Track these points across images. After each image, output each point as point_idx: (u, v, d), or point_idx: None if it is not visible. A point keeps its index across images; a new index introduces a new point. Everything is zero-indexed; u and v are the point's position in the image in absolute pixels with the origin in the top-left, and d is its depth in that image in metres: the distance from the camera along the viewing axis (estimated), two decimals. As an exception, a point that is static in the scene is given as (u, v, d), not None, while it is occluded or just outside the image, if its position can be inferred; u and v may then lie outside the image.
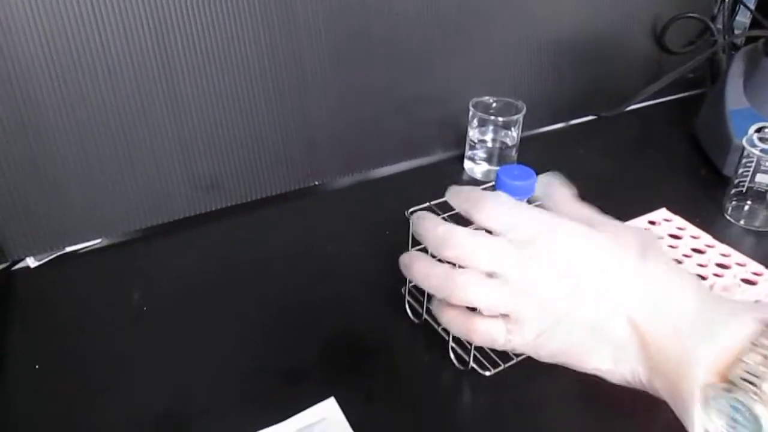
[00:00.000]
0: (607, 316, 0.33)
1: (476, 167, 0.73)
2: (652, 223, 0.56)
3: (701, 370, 0.31)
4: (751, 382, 0.30)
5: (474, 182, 0.73)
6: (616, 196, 0.69)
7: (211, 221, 0.65)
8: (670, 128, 0.84)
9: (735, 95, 0.75)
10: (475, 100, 0.71)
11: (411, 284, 0.51)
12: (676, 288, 0.33)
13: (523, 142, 0.73)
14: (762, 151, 0.66)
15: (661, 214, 0.57)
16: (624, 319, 0.33)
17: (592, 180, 0.73)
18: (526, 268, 0.34)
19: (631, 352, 0.33)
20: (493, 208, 0.35)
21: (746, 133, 0.71)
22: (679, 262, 0.51)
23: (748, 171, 0.66)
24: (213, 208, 0.66)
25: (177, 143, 0.62)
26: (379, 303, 0.54)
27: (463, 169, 0.74)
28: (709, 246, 0.53)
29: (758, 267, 0.51)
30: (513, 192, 0.38)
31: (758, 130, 0.70)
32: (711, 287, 0.48)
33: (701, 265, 0.51)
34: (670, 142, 0.81)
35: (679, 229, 0.55)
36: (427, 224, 0.37)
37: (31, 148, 0.55)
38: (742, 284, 0.49)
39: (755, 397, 0.29)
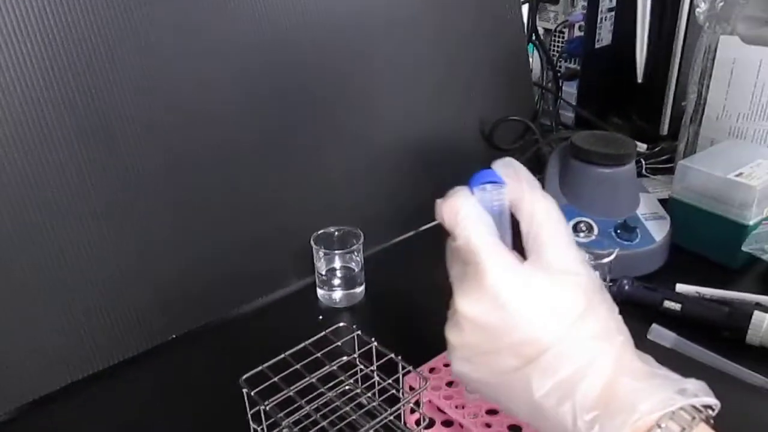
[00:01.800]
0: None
1: (333, 293, 0.77)
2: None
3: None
4: None
5: (328, 309, 0.76)
6: (444, 310, 0.75)
7: (69, 395, 0.66)
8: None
9: (553, 193, 0.82)
10: (316, 234, 0.76)
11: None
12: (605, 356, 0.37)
13: (376, 256, 0.78)
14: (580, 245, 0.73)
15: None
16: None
17: (436, 294, 0.78)
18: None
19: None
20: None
21: (566, 228, 0.78)
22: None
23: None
24: (69, 381, 0.66)
25: (24, 319, 0.63)
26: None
27: (317, 297, 0.78)
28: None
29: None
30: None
31: (575, 227, 0.78)
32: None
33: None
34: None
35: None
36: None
37: None
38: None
39: None
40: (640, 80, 0.95)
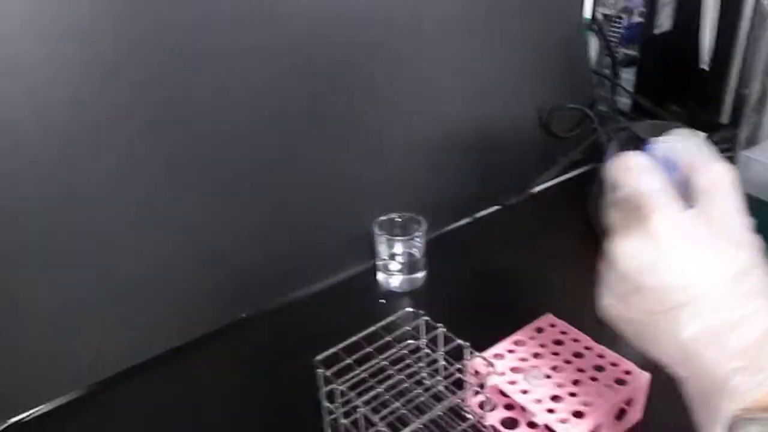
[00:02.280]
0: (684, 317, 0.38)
1: (390, 279, 0.79)
2: (539, 330, 0.62)
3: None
4: None
5: (389, 293, 0.79)
6: (514, 297, 0.77)
7: (144, 372, 0.70)
8: (568, 210, 0.92)
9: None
10: (379, 219, 0.78)
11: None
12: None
13: (433, 243, 0.80)
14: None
15: (547, 320, 0.64)
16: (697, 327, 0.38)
17: (494, 278, 0.80)
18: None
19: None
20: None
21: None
22: (561, 368, 0.58)
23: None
24: (145, 359, 0.70)
25: (103, 297, 0.67)
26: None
27: (378, 281, 0.80)
28: (587, 348, 0.60)
29: (628, 366, 0.58)
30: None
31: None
32: (587, 393, 0.55)
33: (581, 370, 0.57)
34: (567, 226, 0.89)
35: (563, 334, 0.62)
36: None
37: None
38: (615, 386, 0.56)
39: None
40: (704, 66, 0.94)
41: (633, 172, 0.41)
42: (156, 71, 0.66)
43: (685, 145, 0.43)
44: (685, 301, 0.38)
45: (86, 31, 0.61)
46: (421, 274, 0.79)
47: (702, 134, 0.44)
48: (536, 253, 0.85)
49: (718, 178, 0.41)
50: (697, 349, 0.38)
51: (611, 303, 0.43)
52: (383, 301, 0.77)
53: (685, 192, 0.42)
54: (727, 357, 0.37)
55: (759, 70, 0.90)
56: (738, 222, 0.41)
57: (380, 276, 0.80)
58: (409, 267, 0.78)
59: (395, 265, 0.78)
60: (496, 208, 0.94)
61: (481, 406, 0.57)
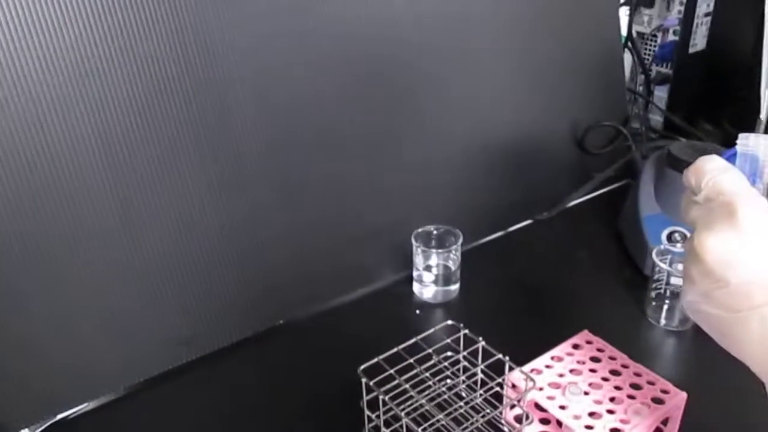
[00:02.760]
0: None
1: (425, 290, 0.80)
2: (576, 347, 0.63)
3: None
4: None
5: (424, 304, 0.80)
6: (548, 311, 0.78)
7: (185, 373, 0.71)
8: (600, 226, 0.93)
9: (647, 202, 0.84)
10: (417, 231, 0.79)
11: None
12: None
13: (466, 255, 0.81)
14: (672, 254, 0.74)
15: (584, 336, 0.65)
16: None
17: (527, 292, 0.81)
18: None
19: None
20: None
21: (660, 237, 0.80)
22: (599, 385, 0.59)
23: (663, 274, 0.74)
24: (186, 361, 0.72)
25: (147, 299, 0.69)
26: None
27: (413, 291, 0.82)
28: (624, 366, 0.61)
29: (666, 385, 0.58)
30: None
31: (669, 236, 0.79)
32: (625, 411, 0.56)
33: (617, 388, 0.58)
34: (599, 242, 0.90)
35: (599, 351, 0.63)
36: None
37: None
38: (652, 404, 0.56)
39: None
40: (763, 117, 0.95)
41: (714, 172, 0.41)
42: (200, 81, 0.67)
43: (763, 150, 0.44)
44: None
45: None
46: (455, 287, 0.80)
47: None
48: (569, 268, 0.86)
49: None
50: None
51: (695, 299, 0.42)
52: (419, 312, 0.79)
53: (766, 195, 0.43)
54: None
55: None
56: None
57: (416, 287, 0.81)
58: (444, 279, 0.79)
59: (430, 276, 0.79)
60: (529, 222, 0.95)
61: (518, 419, 0.58)
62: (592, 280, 0.82)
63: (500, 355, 0.57)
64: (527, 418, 0.57)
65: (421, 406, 0.57)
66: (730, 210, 0.39)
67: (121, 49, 0.61)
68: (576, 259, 0.87)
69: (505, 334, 0.73)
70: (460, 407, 0.60)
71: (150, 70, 0.63)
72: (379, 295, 0.82)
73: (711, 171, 0.42)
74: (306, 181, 0.77)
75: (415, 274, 0.80)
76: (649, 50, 1.22)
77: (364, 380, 0.55)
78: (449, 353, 0.61)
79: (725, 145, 1.08)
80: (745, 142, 0.43)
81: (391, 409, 0.55)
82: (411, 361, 0.57)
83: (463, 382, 0.61)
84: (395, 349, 0.58)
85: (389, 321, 0.75)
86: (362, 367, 0.56)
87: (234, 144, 0.70)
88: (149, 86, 0.64)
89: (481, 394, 0.59)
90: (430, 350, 0.59)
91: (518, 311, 0.79)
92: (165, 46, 0.64)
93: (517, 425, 0.58)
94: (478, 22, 0.86)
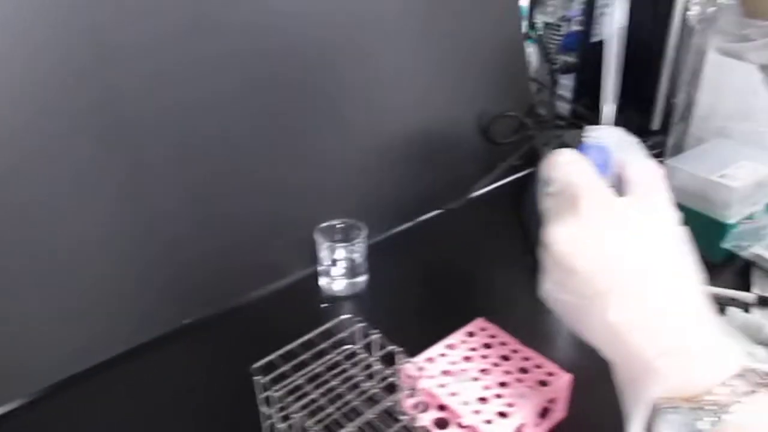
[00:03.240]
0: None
1: (332, 284, 0.81)
2: (470, 334, 0.65)
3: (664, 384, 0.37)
4: (710, 414, 0.36)
5: (332, 297, 0.81)
6: (452, 299, 0.80)
7: (81, 383, 0.70)
8: (505, 215, 0.95)
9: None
10: (319, 226, 0.80)
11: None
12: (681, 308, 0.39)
13: (375, 247, 0.83)
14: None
15: (478, 323, 0.67)
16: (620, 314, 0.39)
17: (433, 281, 0.83)
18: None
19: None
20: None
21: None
22: (489, 371, 0.61)
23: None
24: (87, 366, 0.71)
25: (45, 306, 0.68)
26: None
27: (320, 287, 0.82)
28: (515, 351, 0.63)
29: (552, 367, 0.61)
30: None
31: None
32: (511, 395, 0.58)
33: (507, 372, 0.61)
34: (504, 230, 0.91)
35: (492, 337, 0.65)
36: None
37: None
38: (537, 387, 0.59)
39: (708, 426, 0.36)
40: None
41: (565, 165, 0.44)
42: (109, 86, 0.66)
43: (616, 142, 0.46)
44: (614, 285, 0.40)
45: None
46: (362, 279, 0.81)
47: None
48: (473, 257, 0.88)
49: (648, 172, 0.44)
50: (624, 333, 0.40)
51: (551, 288, 0.45)
52: (325, 305, 0.80)
53: (618, 187, 0.45)
54: (652, 342, 0.39)
55: (684, 81, 0.95)
56: (667, 212, 0.43)
57: (322, 281, 0.82)
58: (351, 272, 0.80)
59: (337, 270, 0.80)
60: (437, 212, 0.97)
61: (416, 408, 0.60)
62: (495, 268, 0.85)
63: (392, 347, 0.59)
64: (421, 405, 0.59)
65: (316, 400, 0.58)
66: (574, 201, 0.41)
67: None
68: (481, 247, 0.90)
69: (412, 322, 0.76)
70: (356, 399, 0.61)
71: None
72: (288, 291, 0.82)
73: (562, 164, 0.44)
74: (208, 182, 0.76)
75: (320, 268, 0.81)
76: (556, 40, 1.25)
77: (256, 378, 0.56)
78: (347, 347, 0.62)
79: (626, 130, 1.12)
80: (594, 134, 0.45)
81: (288, 405, 0.56)
82: (306, 356, 0.58)
83: (360, 374, 0.62)
84: (290, 345, 0.59)
85: (294, 317, 0.76)
86: (256, 365, 0.57)
87: (133, 149, 0.69)
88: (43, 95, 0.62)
89: (373, 386, 0.61)
90: (324, 345, 0.60)
91: (424, 300, 0.81)
92: (55, 48, 0.62)
93: (413, 413, 0.60)
94: (378, 14, 0.87)
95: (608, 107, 0.40)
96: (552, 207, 0.44)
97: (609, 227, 0.41)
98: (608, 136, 0.45)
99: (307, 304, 0.80)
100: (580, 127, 1.15)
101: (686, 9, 0.97)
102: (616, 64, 0.45)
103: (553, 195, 0.44)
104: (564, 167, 0.44)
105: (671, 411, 0.38)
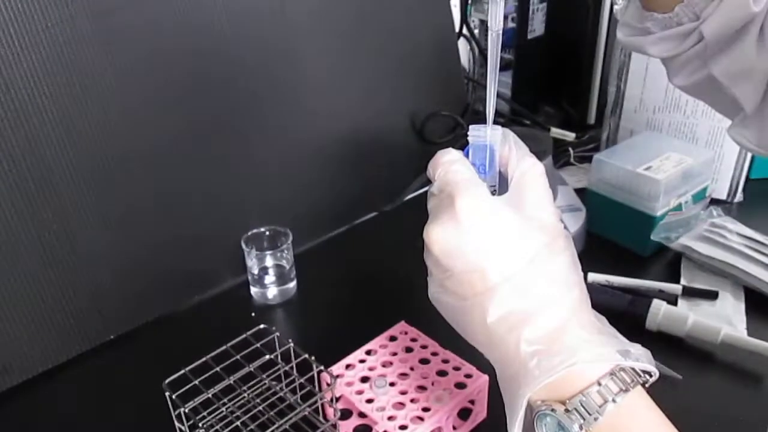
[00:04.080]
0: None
1: (266, 291, 0.80)
2: (392, 338, 0.65)
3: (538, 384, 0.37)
4: (581, 416, 0.36)
5: (265, 306, 0.80)
6: (382, 302, 0.79)
7: (5, 401, 0.69)
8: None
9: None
10: (246, 234, 0.79)
11: None
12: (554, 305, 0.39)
13: (309, 252, 0.82)
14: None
15: (400, 327, 0.66)
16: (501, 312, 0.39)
17: (364, 285, 0.82)
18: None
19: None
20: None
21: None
22: (407, 375, 0.60)
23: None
24: (7, 387, 0.69)
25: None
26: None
27: (251, 296, 0.81)
28: (434, 354, 0.63)
29: (470, 369, 0.61)
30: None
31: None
32: (427, 398, 0.58)
33: (425, 376, 0.60)
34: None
35: (413, 341, 0.65)
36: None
37: None
38: (454, 390, 0.59)
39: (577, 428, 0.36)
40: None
41: (446, 165, 0.43)
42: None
43: (500, 140, 0.45)
44: (490, 286, 0.39)
45: None
46: (291, 285, 0.81)
47: (503, 128, 0.45)
48: (407, 259, 0.87)
49: (527, 170, 0.43)
50: (501, 334, 0.39)
51: (434, 289, 0.44)
52: (253, 314, 0.79)
53: (502, 186, 0.45)
54: (526, 342, 0.39)
55: (614, 75, 0.96)
56: (545, 210, 0.42)
57: (253, 290, 0.81)
58: (280, 278, 0.80)
59: (269, 278, 0.79)
60: (374, 214, 0.97)
61: (335, 415, 0.59)
62: (425, 270, 0.84)
63: (306, 356, 0.58)
64: (337, 413, 0.58)
65: (232, 413, 0.57)
66: (450, 201, 0.41)
67: None
68: (415, 249, 0.89)
69: (339, 328, 0.75)
70: (270, 409, 0.60)
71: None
72: (217, 301, 0.81)
73: (443, 164, 0.43)
74: (131, 194, 0.75)
75: (249, 277, 0.80)
76: (493, 37, 1.25)
77: (167, 394, 0.55)
78: (265, 357, 0.61)
79: (563, 126, 1.13)
80: (476, 133, 0.45)
81: (205, 419, 0.55)
82: (217, 369, 0.58)
83: (278, 384, 0.62)
84: (203, 359, 0.58)
85: (224, 327, 0.74)
86: (167, 380, 0.56)
87: (40, 162, 0.68)
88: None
89: (287, 394, 0.60)
90: (238, 356, 0.59)
91: (354, 304, 0.80)
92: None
93: (332, 420, 0.59)
94: (306, 15, 0.86)
95: (491, 106, 0.40)
96: (433, 207, 0.44)
97: (483, 227, 0.40)
98: (492, 134, 0.45)
99: (237, 313, 0.79)
100: (520, 124, 1.17)
101: (613, 3, 0.97)
102: (496, 63, 0.44)
103: (434, 195, 0.44)
104: (443, 167, 0.43)
105: (546, 413, 0.38)
